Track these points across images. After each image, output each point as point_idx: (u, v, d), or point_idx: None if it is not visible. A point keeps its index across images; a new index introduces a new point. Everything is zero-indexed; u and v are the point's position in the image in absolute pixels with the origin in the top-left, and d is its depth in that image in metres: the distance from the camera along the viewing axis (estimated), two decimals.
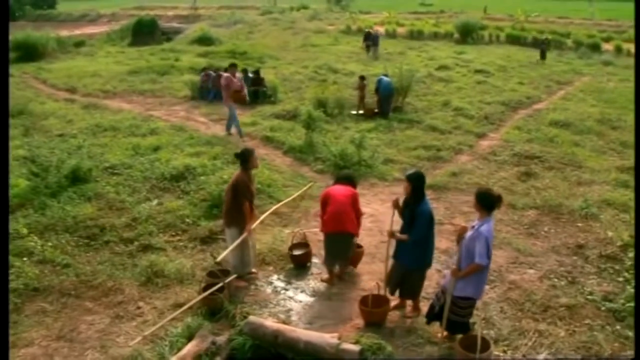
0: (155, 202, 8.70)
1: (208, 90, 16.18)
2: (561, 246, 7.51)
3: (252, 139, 12.31)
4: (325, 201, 6.41)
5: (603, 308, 6.01)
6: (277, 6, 50.58)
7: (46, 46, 26.16)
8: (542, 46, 24.64)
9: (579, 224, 8.16)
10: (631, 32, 29.15)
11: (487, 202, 5.06)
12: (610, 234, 7.65)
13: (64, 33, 32.03)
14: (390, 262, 5.84)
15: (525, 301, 6.15)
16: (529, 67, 22.15)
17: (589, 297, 6.23)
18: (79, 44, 30.30)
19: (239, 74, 14.10)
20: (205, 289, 5.90)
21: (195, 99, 16.14)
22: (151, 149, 11.16)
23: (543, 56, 24.11)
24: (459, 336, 5.23)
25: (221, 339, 5.27)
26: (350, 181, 6.66)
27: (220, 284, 5.90)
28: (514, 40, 30.57)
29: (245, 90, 13.55)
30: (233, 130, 12.61)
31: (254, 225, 6.26)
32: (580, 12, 42.76)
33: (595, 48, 27.36)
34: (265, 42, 28.33)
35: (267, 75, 17.11)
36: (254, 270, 6.72)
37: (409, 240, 5.53)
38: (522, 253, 7.29)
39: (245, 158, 6.40)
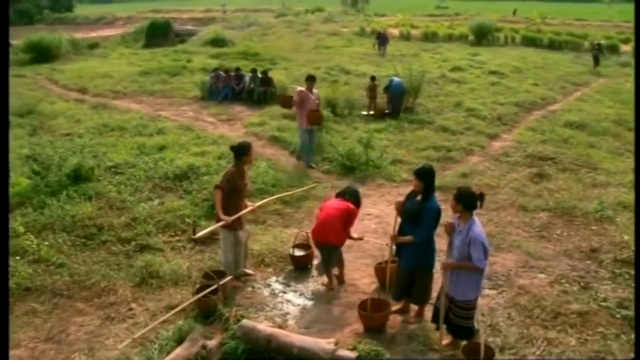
0: (156, 201, 8.54)
1: (218, 91, 16.07)
2: (574, 250, 7.16)
3: (259, 139, 12.12)
4: (320, 210, 6.31)
5: (618, 315, 5.67)
6: (291, 9, 50.67)
7: (59, 48, 26.36)
8: (595, 52, 22.89)
9: (593, 227, 7.80)
10: None
11: (469, 202, 4.76)
12: (626, 237, 7.29)
13: (80, 35, 32.26)
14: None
15: (535, 307, 5.83)
16: (544, 69, 21.71)
17: (602, 303, 5.90)
18: (93, 45, 30.52)
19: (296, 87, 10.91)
20: (199, 291, 5.69)
21: (205, 99, 16.02)
22: (156, 148, 11.01)
23: (597, 62, 22.59)
24: (462, 343, 4.97)
25: (212, 342, 5.07)
26: (349, 197, 6.32)
27: (214, 286, 5.69)
28: (530, 42, 30.11)
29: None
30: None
31: (232, 218, 5.94)
32: (599, 15, 42.18)
33: (613, 50, 26.79)
34: (279, 44, 28.21)
35: (278, 76, 16.95)
36: (250, 271, 6.51)
37: (414, 241, 5.24)
38: (532, 257, 6.96)
39: (237, 153, 6.14)
